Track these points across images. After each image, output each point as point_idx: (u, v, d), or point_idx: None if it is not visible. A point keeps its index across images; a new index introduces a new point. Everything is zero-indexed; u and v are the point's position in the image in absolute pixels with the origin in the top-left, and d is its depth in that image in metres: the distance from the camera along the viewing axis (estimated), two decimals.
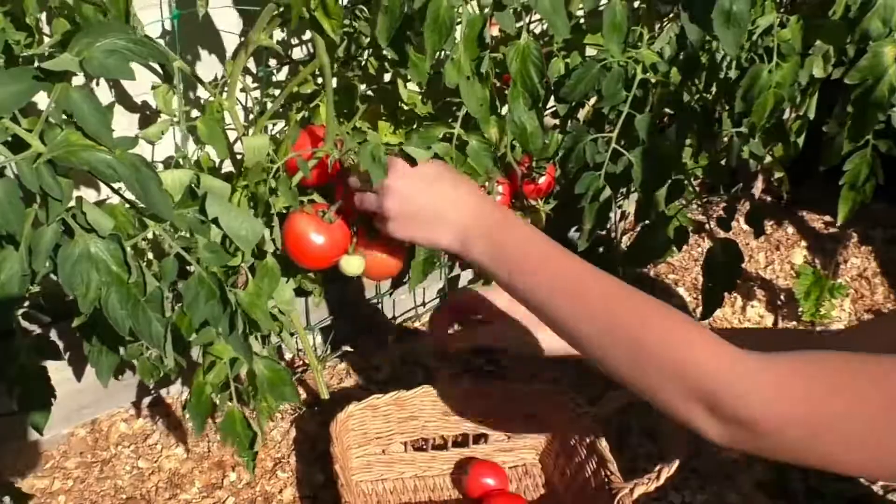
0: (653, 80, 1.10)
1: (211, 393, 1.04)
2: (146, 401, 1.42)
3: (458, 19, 0.92)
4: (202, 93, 1.12)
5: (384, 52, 0.99)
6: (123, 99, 1.13)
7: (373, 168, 0.80)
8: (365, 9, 1.08)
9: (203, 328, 0.90)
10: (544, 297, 0.75)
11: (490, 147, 1.05)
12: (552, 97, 1.14)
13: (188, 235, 0.85)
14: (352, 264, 0.89)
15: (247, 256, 0.92)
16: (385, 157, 0.82)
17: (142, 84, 0.99)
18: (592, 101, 1.21)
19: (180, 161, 0.98)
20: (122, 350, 0.98)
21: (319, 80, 1.10)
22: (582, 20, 1.17)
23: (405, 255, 0.93)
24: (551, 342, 0.99)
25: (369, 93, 1.17)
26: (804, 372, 0.61)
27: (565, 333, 0.75)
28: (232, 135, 1.06)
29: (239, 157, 1.05)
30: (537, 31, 1.33)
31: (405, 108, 1.15)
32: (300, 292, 1.15)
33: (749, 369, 0.62)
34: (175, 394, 1.44)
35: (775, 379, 0.61)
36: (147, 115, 1.16)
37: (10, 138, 0.68)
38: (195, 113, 1.03)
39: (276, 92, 1.14)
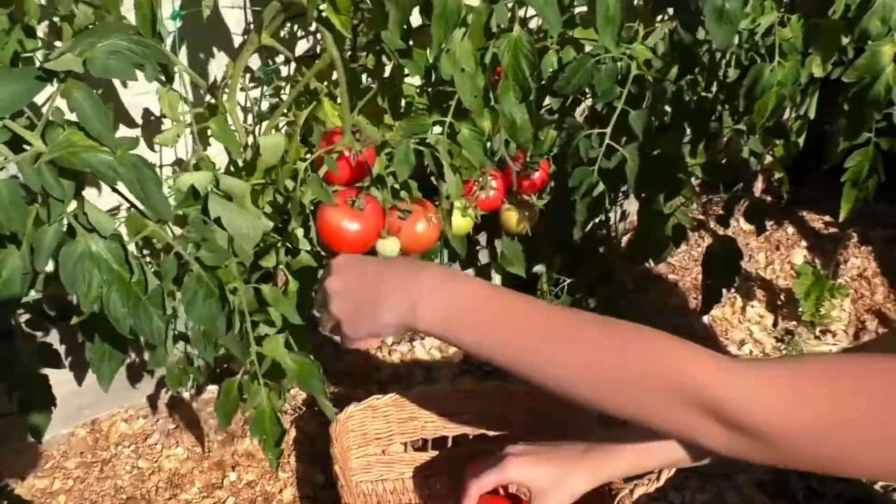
0: (648, 77, 1.10)
1: (239, 390, 1.03)
2: (146, 401, 1.42)
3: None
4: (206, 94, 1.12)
5: (384, 46, 0.99)
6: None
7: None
8: (368, 1, 1.08)
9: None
10: (511, 350, 0.69)
11: (482, 136, 1.04)
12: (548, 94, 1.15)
13: (193, 235, 0.86)
14: (388, 246, 0.91)
15: (282, 256, 0.93)
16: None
17: (140, 84, 0.99)
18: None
19: (198, 163, 0.97)
20: (123, 353, 0.98)
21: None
22: (577, 11, 1.17)
23: (438, 228, 0.97)
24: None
25: (372, 86, 1.17)
26: (806, 377, 0.60)
27: (544, 383, 0.69)
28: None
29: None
30: (533, 26, 1.33)
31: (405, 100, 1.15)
32: None
33: (748, 377, 0.61)
34: (175, 393, 1.44)
35: (778, 386, 0.60)
36: (149, 118, 1.16)
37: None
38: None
39: (285, 89, 1.15)
